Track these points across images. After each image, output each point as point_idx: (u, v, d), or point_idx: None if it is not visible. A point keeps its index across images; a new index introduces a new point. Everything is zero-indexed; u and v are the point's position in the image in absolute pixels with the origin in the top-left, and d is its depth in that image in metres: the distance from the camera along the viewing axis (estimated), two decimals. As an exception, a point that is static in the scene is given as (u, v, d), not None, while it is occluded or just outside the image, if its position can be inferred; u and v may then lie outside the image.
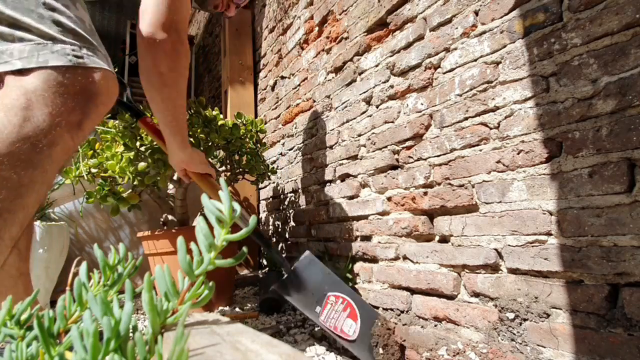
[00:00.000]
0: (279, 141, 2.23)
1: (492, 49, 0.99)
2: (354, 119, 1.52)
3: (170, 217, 1.67)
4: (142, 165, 1.40)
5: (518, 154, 0.92)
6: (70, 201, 1.95)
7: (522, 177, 0.91)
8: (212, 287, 0.35)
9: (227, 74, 2.60)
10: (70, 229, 1.90)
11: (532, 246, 0.88)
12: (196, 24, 4.56)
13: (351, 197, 1.51)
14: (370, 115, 1.42)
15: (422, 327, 1.13)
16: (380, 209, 1.35)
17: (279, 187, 2.21)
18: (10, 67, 0.65)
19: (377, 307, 1.31)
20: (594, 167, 0.77)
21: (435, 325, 1.10)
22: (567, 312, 0.81)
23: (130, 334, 0.28)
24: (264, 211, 2.41)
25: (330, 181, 1.67)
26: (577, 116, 0.81)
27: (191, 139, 1.48)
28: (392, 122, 1.32)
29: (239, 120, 1.72)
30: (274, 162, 2.27)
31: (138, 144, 1.38)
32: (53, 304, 1.67)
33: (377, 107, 1.40)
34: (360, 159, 1.47)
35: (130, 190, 1.49)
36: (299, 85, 2.01)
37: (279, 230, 2.17)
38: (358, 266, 1.45)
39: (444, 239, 1.11)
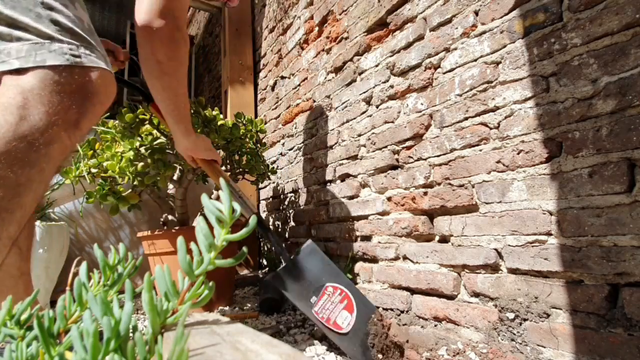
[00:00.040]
0: (279, 141, 2.23)
1: (492, 49, 0.99)
2: (354, 119, 1.52)
3: (170, 217, 1.67)
4: (142, 165, 1.40)
5: (518, 154, 0.92)
6: (70, 201, 1.95)
7: (522, 177, 0.91)
8: (212, 287, 0.35)
9: (227, 74, 2.60)
10: (70, 229, 1.90)
11: (532, 246, 0.88)
12: (196, 24, 4.56)
13: (351, 197, 1.51)
14: (370, 115, 1.42)
15: (422, 327, 1.13)
16: (380, 209, 1.35)
17: (279, 187, 2.21)
18: (7, 66, 0.65)
19: (377, 307, 1.31)
20: (594, 167, 0.77)
21: (435, 325, 1.10)
22: (567, 312, 0.81)
23: (130, 334, 0.28)
24: (264, 211, 2.41)
25: (330, 181, 1.67)
26: (577, 116, 0.81)
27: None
28: (392, 122, 1.32)
29: (239, 120, 1.72)
30: (274, 162, 2.27)
31: (138, 144, 1.38)
32: (53, 304, 1.67)
33: (377, 107, 1.40)
34: (360, 159, 1.47)
35: (130, 190, 1.49)
36: (299, 85, 2.01)
37: (279, 230, 2.17)
38: (358, 266, 1.45)
39: (444, 239, 1.11)
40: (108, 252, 0.42)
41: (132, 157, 1.36)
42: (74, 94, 0.69)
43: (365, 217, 1.42)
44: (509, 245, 0.93)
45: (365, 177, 1.44)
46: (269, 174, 1.85)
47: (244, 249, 0.36)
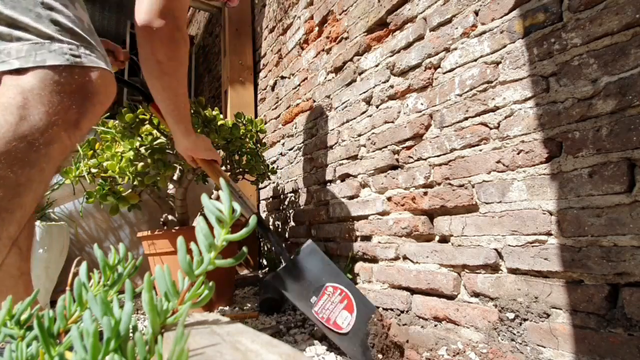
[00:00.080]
0: (279, 141, 2.23)
1: (492, 49, 0.99)
2: (354, 119, 1.52)
3: (170, 217, 1.67)
4: (142, 165, 1.40)
5: (518, 154, 0.92)
6: (70, 201, 1.95)
7: (522, 177, 0.91)
8: (212, 287, 0.35)
9: (227, 74, 2.60)
10: (70, 229, 1.90)
11: (532, 246, 0.88)
12: (196, 24, 4.56)
13: (351, 197, 1.51)
14: (370, 115, 1.42)
15: (422, 327, 1.13)
16: (380, 209, 1.35)
17: (279, 187, 2.21)
18: (7, 66, 0.65)
19: (377, 307, 1.31)
20: (594, 167, 0.77)
21: (435, 325, 1.10)
22: (567, 312, 0.81)
23: (130, 334, 0.28)
24: (264, 211, 2.41)
25: (330, 181, 1.67)
26: (577, 116, 0.81)
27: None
28: (392, 122, 1.32)
29: (239, 120, 1.72)
30: (274, 162, 2.27)
31: (138, 144, 1.38)
32: (53, 304, 1.67)
33: (377, 107, 1.40)
34: (360, 159, 1.47)
35: (130, 190, 1.49)
36: (299, 85, 2.01)
37: (279, 230, 2.17)
38: (358, 266, 1.45)
39: (444, 239, 1.11)
40: (108, 252, 0.42)
41: (132, 157, 1.36)
42: (74, 94, 0.69)
43: (365, 217, 1.42)
44: (509, 245, 0.93)
45: (365, 177, 1.44)
46: (269, 174, 1.85)
47: (244, 249, 0.36)
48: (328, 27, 1.77)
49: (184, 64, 0.99)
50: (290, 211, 2.03)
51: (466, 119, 1.05)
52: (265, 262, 2.30)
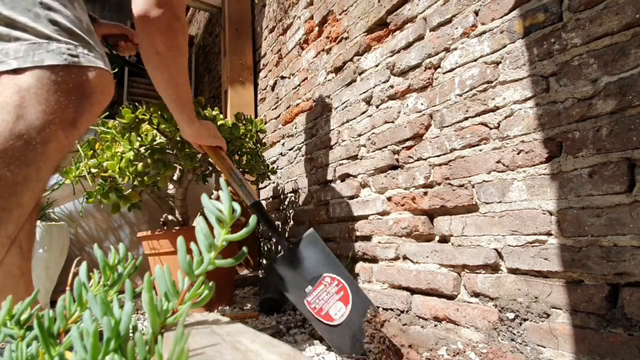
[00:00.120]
0: (279, 141, 2.23)
1: (492, 49, 0.99)
2: (354, 119, 1.52)
3: (170, 217, 1.67)
4: (142, 165, 1.40)
5: (518, 154, 0.92)
6: (70, 201, 1.95)
7: (522, 177, 0.91)
8: (212, 287, 0.35)
9: (227, 74, 2.60)
10: (70, 229, 1.90)
11: (532, 246, 0.88)
12: (196, 24, 4.56)
13: (351, 197, 1.51)
14: (370, 115, 1.42)
15: (422, 327, 1.13)
16: (380, 209, 1.35)
17: (279, 187, 2.21)
18: (6, 67, 0.66)
19: (377, 307, 1.31)
20: (594, 167, 0.77)
21: (435, 325, 1.10)
22: (567, 312, 0.81)
23: (130, 334, 0.28)
24: (264, 211, 2.41)
25: (330, 181, 1.67)
26: (577, 116, 0.81)
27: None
28: (392, 122, 1.32)
29: (239, 120, 1.72)
30: (274, 162, 2.27)
31: (138, 144, 1.38)
32: (53, 304, 1.67)
33: (377, 107, 1.40)
34: (360, 159, 1.47)
35: (130, 190, 1.49)
36: (299, 85, 2.01)
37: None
38: (358, 266, 1.45)
39: (444, 239, 1.11)
40: (108, 252, 0.42)
41: (132, 157, 1.36)
42: (71, 93, 0.70)
43: (365, 217, 1.42)
44: (509, 245, 0.93)
45: (365, 177, 1.44)
46: (269, 174, 1.85)
47: (244, 249, 0.36)
48: (328, 27, 1.77)
49: (184, 53, 0.98)
50: (290, 211, 2.03)
51: (466, 119, 1.05)
52: (265, 262, 2.30)
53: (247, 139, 1.72)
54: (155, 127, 1.41)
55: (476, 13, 1.04)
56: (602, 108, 0.77)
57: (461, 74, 1.07)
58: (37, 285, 1.54)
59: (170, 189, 1.73)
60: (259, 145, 1.81)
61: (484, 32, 1.02)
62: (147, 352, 0.26)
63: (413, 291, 1.20)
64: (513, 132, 0.93)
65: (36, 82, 0.66)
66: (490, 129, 0.99)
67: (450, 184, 1.09)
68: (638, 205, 0.71)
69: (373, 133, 1.40)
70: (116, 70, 1.21)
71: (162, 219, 1.69)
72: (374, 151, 1.40)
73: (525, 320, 0.88)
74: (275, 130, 2.30)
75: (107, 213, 2.07)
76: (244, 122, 1.73)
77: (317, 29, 1.87)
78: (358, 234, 1.46)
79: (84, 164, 1.37)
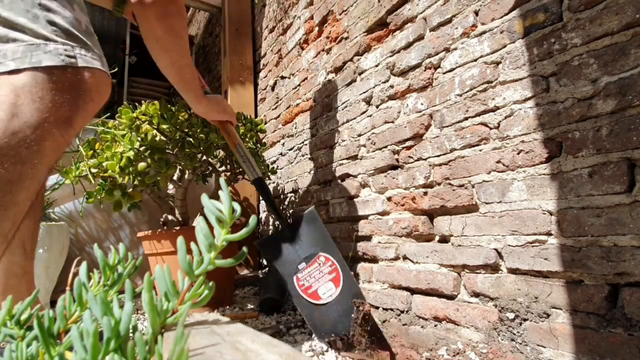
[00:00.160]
0: (279, 141, 2.23)
1: (492, 49, 0.99)
2: (354, 119, 1.52)
3: (170, 217, 1.67)
4: (142, 165, 1.40)
5: (518, 154, 0.92)
6: (70, 201, 1.95)
7: (522, 177, 0.91)
8: (212, 287, 0.35)
9: (227, 74, 2.60)
10: (70, 229, 1.90)
11: (532, 246, 0.88)
12: (196, 24, 4.56)
13: (351, 197, 1.51)
14: (370, 115, 1.42)
15: (422, 327, 1.13)
16: (380, 209, 1.35)
17: (279, 187, 2.21)
18: (3, 68, 0.66)
19: (377, 307, 1.31)
20: (594, 167, 0.77)
21: (435, 325, 1.10)
22: (567, 312, 0.81)
23: (130, 334, 0.28)
24: (264, 211, 2.41)
25: (330, 181, 1.67)
26: (577, 116, 0.81)
27: (190, 139, 1.48)
28: (392, 122, 1.32)
29: (239, 120, 1.72)
30: (274, 162, 2.27)
31: (138, 144, 1.38)
32: (53, 304, 1.67)
33: (377, 107, 1.40)
34: (360, 159, 1.47)
35: (130, 190, 1.49)
36: (299, 85, 2.01)
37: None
38: (358, 266, 1.45)
39: (444, 239, 1.11)
40: (108, 252, 0.43)
41: (132, 157, 1.36)
42: (66, 92, 0.70)
43: (365, 217, 1.42)
44: (509, 245, 0.93)
45: (365, 177, 1.44)
46: (269, 174, 1.85)
47: (244, 249, 0.36)
48: (328, 27, 1.77)
49: (183, 35, 0.98)
50: (290, 211, 2.03)
51: (466, 119, 1.05)
52: (265, 262, 2.30)
53: (247, 139, 1.72)
54: (155, 127, 1.42)
55: (476, 13, 1.04)
56: (602, 108, 0.77)
57: (461, 74, 1.07)
58: (37, 285, 1.54)
59: (170, 189, 1.73)
60: (259, 145, 1.81)
61: (484, 32, 1.02)
62: (147, 352, 0.26)
63: (413, 291, 1.20)
64: (513, 132, 0.93)
65: (31, 81, 0.66)
66: (490, 129, 0.99)
67: (450, 184, 1.09)
68: (638, 205, 0.71)
69: (373, 133, 1.40)
70: (115, 70, 1.21)
71: (162, 219, 1.69)
72: (374, 151, 1.40)
73: (525, 320, 0.88)
74: (275, 130, 2.30)
75: (107, 213, 2.07)
76: (244, 122, 1.73)
77: (317, 29, 1.87)
78: (358, 234, 1.46)
79: (84, 164, 1.38)
